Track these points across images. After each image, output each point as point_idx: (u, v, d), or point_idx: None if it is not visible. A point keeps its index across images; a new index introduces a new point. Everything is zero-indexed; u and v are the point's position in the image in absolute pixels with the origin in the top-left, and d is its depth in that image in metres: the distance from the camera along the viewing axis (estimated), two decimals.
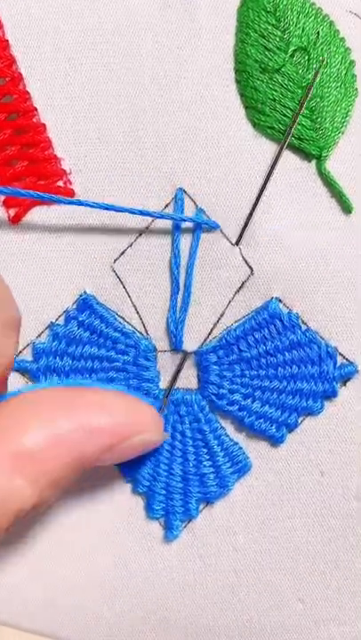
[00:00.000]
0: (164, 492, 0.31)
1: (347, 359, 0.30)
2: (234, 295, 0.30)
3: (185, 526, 0.31)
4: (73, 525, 0.31)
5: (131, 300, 0.31)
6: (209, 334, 0.31)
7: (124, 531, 0.31)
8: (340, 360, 0.30)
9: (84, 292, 0.31)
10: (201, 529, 0.31)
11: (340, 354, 0.30)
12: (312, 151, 0.30)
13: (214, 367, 0.30)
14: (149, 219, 0.30)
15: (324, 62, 0.30)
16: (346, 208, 0.30)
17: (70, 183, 0.30)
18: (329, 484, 0.30)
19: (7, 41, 0.30)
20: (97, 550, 0.31)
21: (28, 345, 0.31)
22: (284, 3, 0.30)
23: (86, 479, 0.30)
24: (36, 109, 0.30)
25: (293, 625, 0.31)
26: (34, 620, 0.31)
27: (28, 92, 0.30)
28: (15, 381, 0.31)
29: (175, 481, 0.30)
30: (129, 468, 0.31)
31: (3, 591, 0.31)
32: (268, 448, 0.31)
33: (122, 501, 0.31)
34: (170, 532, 0.31)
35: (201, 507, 0.31)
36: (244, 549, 0.31)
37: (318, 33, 0.30)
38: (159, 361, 0.31)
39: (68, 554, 0.31)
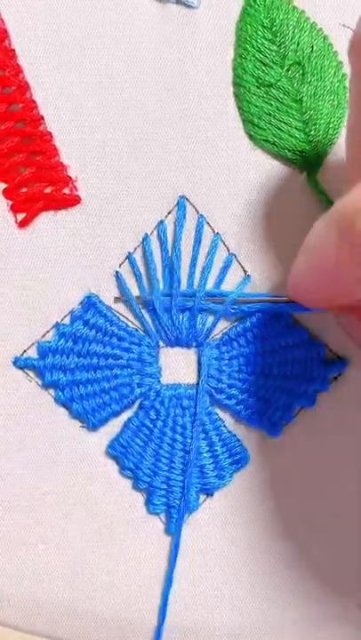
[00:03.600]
0: (164, 486, 0.32)
1: (338, 356, 0.32)
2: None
3: (185, 521, 0.32)
4: (72, 524, 0.31)
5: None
6: (210, 332, 0.32)
7: (124, 527, 0.32)
8: (331, 356, 0.32)
9: (89, 292, 0.32)
10: (201, 523, 0.32)
11: (331, 350, 0.32)
12: (304, 163, 0.31)
13: (214, 362, 0.32)
14: (152, 225, 0.32)
15: (318, 75, 0.31)
16: None
17: (76, 190, 0.31)
18: (322, 478, 0.32)
19: (14, 51, 0.31)
20: (96, 548, 0.32)
21: (32, 344, 0.32)
22: (281, 18, 0.31)
23: (85, 477, 0.31)
24: (42, 118, 0.31)
25: (293, 624, 0.31)
26: (32, 621, 0.31)
27: (34, 101, 0.31)
28: (19, 379, 0.32)
29: (176, 474, 0.32)
30: (128, 463, 0.32)
31: (1, 592, 0.31)
32: (265, 442, 0.32)
33: (122, 497, 0.32)
34: (171, 526, 0.31)
35: (201, 500, 0.32)
36: (243, 544, 0.31)
37: (313, 47, 0.31)
38: (162, 357, 0.32)
39: (65, 553, 0.32)
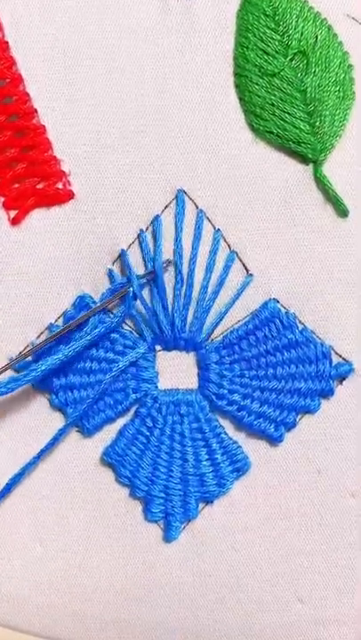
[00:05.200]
0: (162, 494, 0.31)
1: (343, 358, 0.31)
2: (233, 296, 0.31)
3: (184, 527, 0.31)
4: (70, 527, 0.31)
5: (130, 301, 0.31)
6: (210, 334, 0.31)
7: (121, 532, 0.31)
8: (336, 359, 0.31)
9: (82, 292, 0.31)
10: (200, 529, 0.31)
11: (336, 353, 0.31)
12: (309, 155, 0.30)
13: (215, 366, 0.31)
14: (148, 220, 0.31)
15: (323, 66, 0.30)
16: (341, 212, 0.30)
17: (70, 184, 0.30)
18: (325, 481, 0.31)
19: (7, 43, 0.30)
20: (94, 553, 0.31)
21: (27, 346, 0.31)
22: (284, 6, 0.30)
23: (82, 482, 0.31)
24: (35, 111, 0.30)
25: (293, 625, 0.31)
26: (31, 622, 0.31)
27: (27, 94, 0.30)
28: None
29: (174, 482, 0.31)
30: (125, 471, 0.31)
31: (1, 593, 0.31)
32: (267, 447, 0.31)
33: (119, 503, 0.31)
34: (169, 533, 0.31)
35: (200, 507, 0.31)
36: (243, 549, 0.31)
37: (317, 37, 0.30)
38: (158, 361, 0.31)
39: (64, 556, 0.31)
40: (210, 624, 0.31)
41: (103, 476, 0.31)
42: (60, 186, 0.30)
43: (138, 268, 0.31)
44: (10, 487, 0.30)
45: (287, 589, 0.31)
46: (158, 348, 0.31)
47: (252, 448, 0.31)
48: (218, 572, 0.31)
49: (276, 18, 0.30)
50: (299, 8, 0.30)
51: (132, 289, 0.30)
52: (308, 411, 0.31)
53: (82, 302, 0.31)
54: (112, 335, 0.31)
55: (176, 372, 0.31)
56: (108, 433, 0.31)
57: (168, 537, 0.31)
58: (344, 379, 0.31)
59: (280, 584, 0.31)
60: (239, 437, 0.31)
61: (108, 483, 0.31)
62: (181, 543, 0.31)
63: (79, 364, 0.31)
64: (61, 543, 0.31)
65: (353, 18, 0.31)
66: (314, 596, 0.31)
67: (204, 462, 0.31)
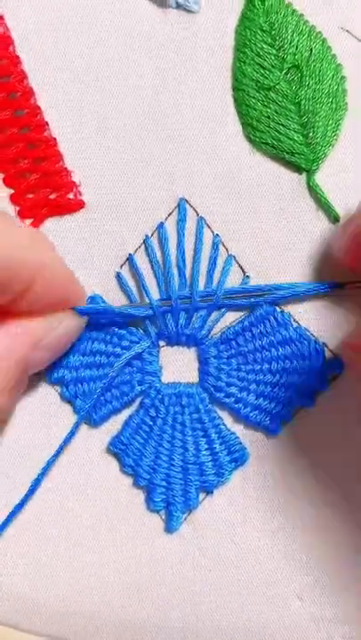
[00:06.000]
0: (164, 483, 0.32)
1: (337, 355, 0.32)
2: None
3: (185, 519, 0.32)
4: (72, 522, 0.32)
5: (135, 300, 0.32)
6: (210, 331, 0.32)
7: (123, 524, 0.32)
8: (329, 355, 0.32)
9: (93, 292, 0.32)
10: (201, 521, 0.32)
11: (329, 350, 0.32)
12: (302, 165, 0.31)
13: (213, 360, 0.32)
14: (153, 227, 0.32)
15: (316, 78, 0.31)
16: (332, 218, 0.32)
17: (80, 195, 0.32)
18: (321, 475, 0.32)
19: (18, 57, 0.31)
20: (96, 547, 0.32)
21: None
22: (280, 21, 0.31)
23: (86, 474, 0.32)
24: (47, 123, 0.32)
25: (293, 623, 0.31)
26: (32, 621, 0.31)
27: (39, 107, 0.32)
28: (31, 376, 0.32)
29: (175, 471, 0.32)
30: (128, 460, 0.32)
31: (1, 591, 0.31)
32: (265, 440, 0.32)
33: (121, 494, 0.32)
34: (170, 523, 0.32)
35: (201, 498, 0.32)
36: (243, 542, 0.31)
37: (311, 50, 0.31)
38: (162, 356, 0.33)
39: (65, 552, 0.32)
40: (210, 621, 0.31)
41: (105, 468, 0.32)
42: (71, 196, 0.32)
43: (144, 268, 0.32)
44: (34, 488, 0.31)
45: (287, 586, 0.31)
46: (162, 343, 0.33)
47: (250, 441, 0.32)
48: (218, 567, 0.31)
49: (273, 33, 0.31)
50: (294, 22, 0.31)
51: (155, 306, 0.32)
52: (303, 405, 0.32)
53: (93, 303, 0.32)
54: (119, 332, 0.32)
55: (178, 366, 0.32)
56: (113, 425, 0.32)
57: (169, 527, 0.32)
58: (338, 375, 0.32)
59: (280, 581, 0.31)
60: (238, 430, 0.32)
61: (110, 475, 0.32)
62: (183, 536, 0.31)
63: (89, 358, 0.32)
64: (63, 539, 0.31)
65: (347, 30, 0.31)
66: (313, 593, 0.31)
67: (204, 452, 0.32)
